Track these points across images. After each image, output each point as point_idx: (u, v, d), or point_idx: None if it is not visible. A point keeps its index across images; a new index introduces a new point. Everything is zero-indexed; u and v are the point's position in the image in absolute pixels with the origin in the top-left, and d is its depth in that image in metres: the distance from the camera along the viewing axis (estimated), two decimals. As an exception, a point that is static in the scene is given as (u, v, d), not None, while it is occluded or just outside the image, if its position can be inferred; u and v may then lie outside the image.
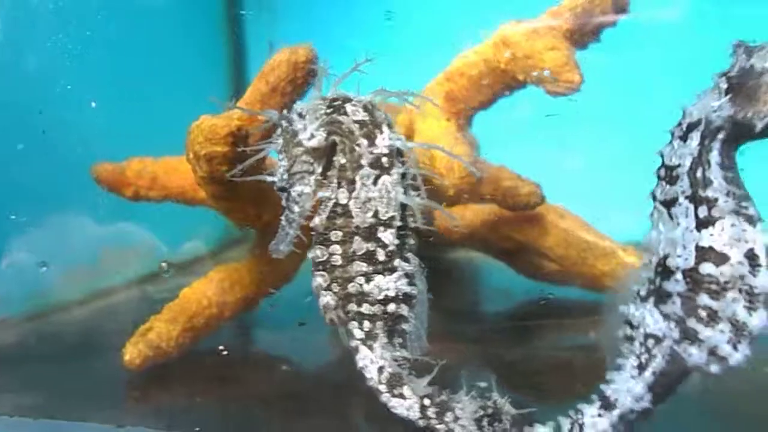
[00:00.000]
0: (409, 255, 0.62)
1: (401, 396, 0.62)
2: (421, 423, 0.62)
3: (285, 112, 0.63)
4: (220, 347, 0.78)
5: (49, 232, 0.96)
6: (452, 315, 1.01)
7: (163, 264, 0.89)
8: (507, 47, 0.83)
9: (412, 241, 0.63)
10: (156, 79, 1.29)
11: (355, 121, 0.59)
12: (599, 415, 0.59)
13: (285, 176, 0.61)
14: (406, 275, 0.61)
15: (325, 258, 0.60)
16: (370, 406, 0.69)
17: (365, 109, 0.60)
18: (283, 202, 0.63)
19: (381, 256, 0.60)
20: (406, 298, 0.61)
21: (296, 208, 0.61)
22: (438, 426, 0.61)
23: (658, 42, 1.27)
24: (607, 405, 0.59)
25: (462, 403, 0.61)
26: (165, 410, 0.73)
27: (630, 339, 0.59)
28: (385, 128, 0.59)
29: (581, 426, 0.60)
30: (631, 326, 0.59)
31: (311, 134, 0.59)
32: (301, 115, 0.61)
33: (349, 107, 0.60)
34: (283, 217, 0.63)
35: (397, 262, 0.60)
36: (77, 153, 1.04)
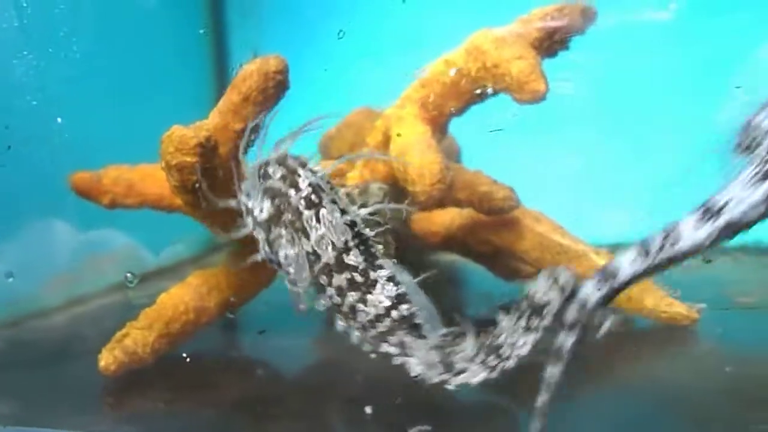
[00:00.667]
0: (380, 261, 0.65)
1: (463, 371, 0.64)
2: (494, 375, 0.63)
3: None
4: (183, 354, 0.79)
5: (27, 240, 0.97)
6: None
7: (128, 274, 0.90)
8: (477, 55, 0.85)
9: (380, 247, 0.66)
10: (140, 86, 1.31)
11: (279, 179, 0.63)
12: (699, 223, 0.55)
13: (266, 248, 0.66)
14: (388, 279, 0.64)
15: (330, 303, 0.64)
16: (346, 410, 0.71)
17: (279, 163, 0.64)
18: (279, 270, 0.67)
19: (359, 278, 0.63)
20: (400, 299, 0.64)
21: (291, 269, 0.65)
22: (507, 364, 0.63)
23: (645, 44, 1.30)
24: (712, 213, 0.55)
25: (502, 330, 0.62)
26: (139, 416, 0.74)
27: (749, 148, 0.56)
28: (300, 171, 0.63)
29: (677, 237, 0.56)
30: (756, 134, 0.56)
31: (260, 208, 0.64)
32: (248, 194, 0.66)
33: (269, 169, 0.64)
34: (287, 282, 0.66)
35: (373, 274, 0.63)
36: (59, 161, 1.05)
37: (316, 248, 0.63)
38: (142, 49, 1.37)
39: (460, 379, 0.64)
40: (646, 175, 1.38)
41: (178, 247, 1.24)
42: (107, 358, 0.76)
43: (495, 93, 0.86)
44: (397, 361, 0.65)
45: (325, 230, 0.62)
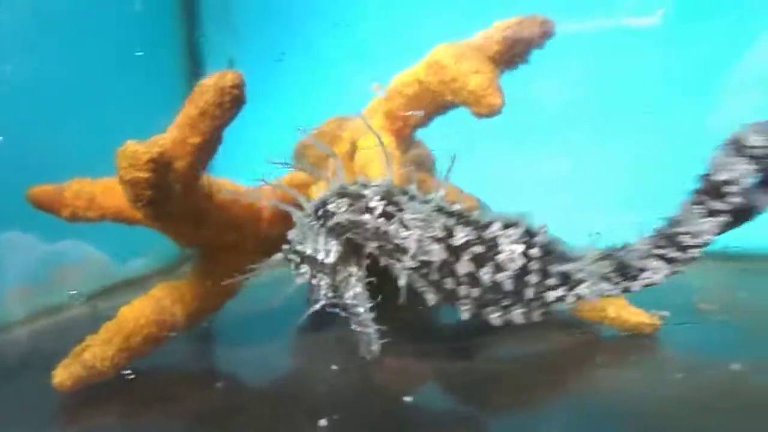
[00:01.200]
0: (484, 221, 0.60)
1: (643, 269, 0.61)
2: (678, 270, 0.60)
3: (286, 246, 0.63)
4: (126, 371, 0.79)
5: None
6: (404, 329, 1.02)
7: (73, 292, 0.89)
8: (437, 69, 0.86)
9: (475, 213, 0.62)
10: (114, 96, 1.30)
11: (345, 211, 0.59)
12: None
13: (330, 293, 0.62)
14: (505, 227, 0.59)
15: (472, 305, 0.60)
16: (307, 422, 0.71)
17: (340, 195, 0.60)
18: (342, 314, 0.64)
19: (479, 248, 0.58)
20: (529, 235, 0.60)
21: (360, 310, 0.62)
22: (690, 254, 0.60)
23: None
24: None
25: (680, 218, 0.59)
26: (96, 430, 0.74)
27: None
28: (366, 191, 0.60)
29: None
30: None
31: (325, 252, 0.60)
32: (301, 242, 0.62)
33: (331, 207, 0.60)
34: (354, 326, 0.64)
35: (488, 234, 0.59)
36: (25, 171, 1.04)
37: (421, 256, 0.58)
38: (115, 59, 1.36)
39: (641, 281, 0.59)
40: (634, 179, 1.40)
41: (147, 258, 1.24)
42: (62, 375, 0.75)
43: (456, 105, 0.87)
44: (570, 300, 0.59)
45: (419, 232, 0.58)
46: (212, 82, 0.74)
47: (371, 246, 0.60)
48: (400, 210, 0.59)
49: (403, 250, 0.58)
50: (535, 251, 0.59)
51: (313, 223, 0.61)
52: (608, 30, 1.32)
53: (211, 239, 0.93)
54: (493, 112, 0.77)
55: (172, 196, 0.74)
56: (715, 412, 0.69)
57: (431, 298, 0.61)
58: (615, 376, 0.83)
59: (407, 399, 0.73)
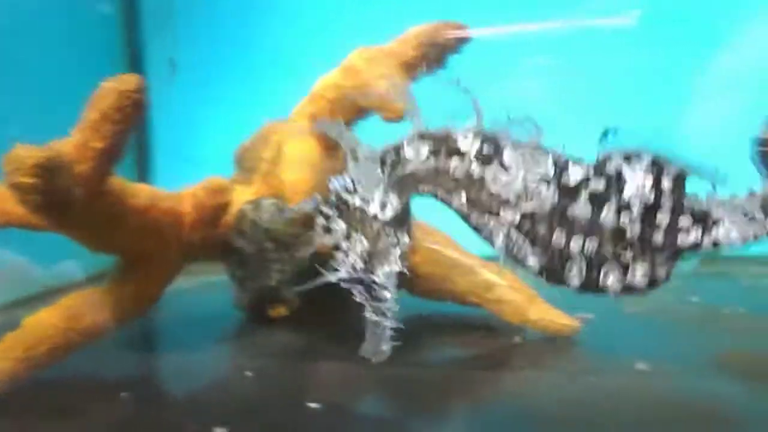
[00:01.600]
0: (600, 158, 0.52)
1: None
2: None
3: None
4: None
5: None
6: (336, 333, 1.01)
7: None
8: (352, 74, 0.86)
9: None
10: (52, 102, 1.27)
11: (427, 157, 0.49)
12: None
13: (360, 264, 0.51)
14: (627, 161, 0.51)
15: (589, 257, 0.51)
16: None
17: (423, 137, 0.50)
18: (358, 296, 0.53)
19: (598, 185, 0.51)
20: (654, 165, 0.52)
21: (387, 294, 0.52)
22: None
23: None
24: None
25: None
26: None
27: None
28: (454, 132, 0.50)
29: None
30: None
31: (380, 204, 0.50)
32: (349, 190, 0.51)
33: (407, 153, 0.50)
34: (367, 313, 0.54)
35: (607, 169, 0.51)
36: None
37: (529, 208, 0.48)
38: (54, 65, 1.33)
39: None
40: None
41: (77, 263, 1.20)
42: (-54, 389, 0.73)
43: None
44: (706, 246, 0.49)
45: (523, 170, 0.48)
46: (112, 86, 0.72)
47: (456, 202, 0.50)
48: (498, 152, 0.49)
49: (502, 201, 0.48)
50: (666, 184, 0.49)
51: (377, 168, 0.51)
52: (582, 30, 1.33)
53: (128, 245, 0.91)
54: (397, 117, 0.77)
55: (71, 201, 0.72)
56: (614, 418, 0.70)
57: (533, 261, 0.50)
58: (532, 380, 0.83)
59: (313, 405, 0.72)
